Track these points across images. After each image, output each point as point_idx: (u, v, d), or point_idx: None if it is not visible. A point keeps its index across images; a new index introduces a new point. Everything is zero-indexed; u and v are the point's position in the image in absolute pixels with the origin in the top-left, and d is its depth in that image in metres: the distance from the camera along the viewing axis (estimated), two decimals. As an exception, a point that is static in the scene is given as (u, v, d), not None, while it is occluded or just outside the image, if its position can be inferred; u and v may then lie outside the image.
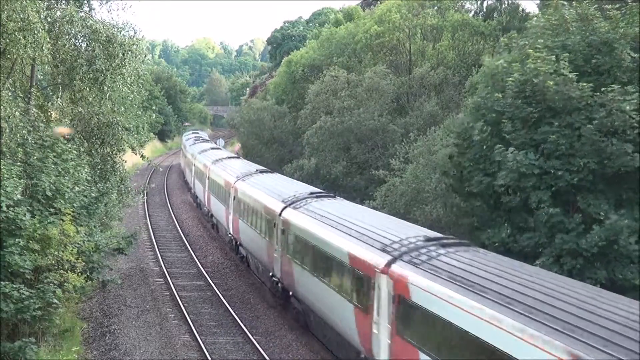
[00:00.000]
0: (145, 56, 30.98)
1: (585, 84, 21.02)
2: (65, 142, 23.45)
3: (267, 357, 21.36)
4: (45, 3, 24.88)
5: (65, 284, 20.16)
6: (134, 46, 26.04)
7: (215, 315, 25.82)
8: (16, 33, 20.72)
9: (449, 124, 33.41)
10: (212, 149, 55.38)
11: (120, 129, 27.06)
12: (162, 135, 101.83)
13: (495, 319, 12.23)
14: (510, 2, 53.62)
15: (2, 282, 18.17)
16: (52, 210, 21.18)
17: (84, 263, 21.79)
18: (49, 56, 23.54)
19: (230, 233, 35.13)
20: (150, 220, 45.70)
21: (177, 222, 46.22)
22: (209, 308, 26.75)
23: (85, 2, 28.89)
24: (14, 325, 19.27)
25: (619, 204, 21.00)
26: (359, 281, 17.63)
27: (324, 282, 20.36)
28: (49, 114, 26.98)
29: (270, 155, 57.85)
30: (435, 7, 54.06)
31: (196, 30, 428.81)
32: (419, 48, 51.74)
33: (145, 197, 49.02)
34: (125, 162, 30.20)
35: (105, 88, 25.86)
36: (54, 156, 22.29)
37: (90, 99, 26.29)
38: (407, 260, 15.92)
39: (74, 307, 24.96)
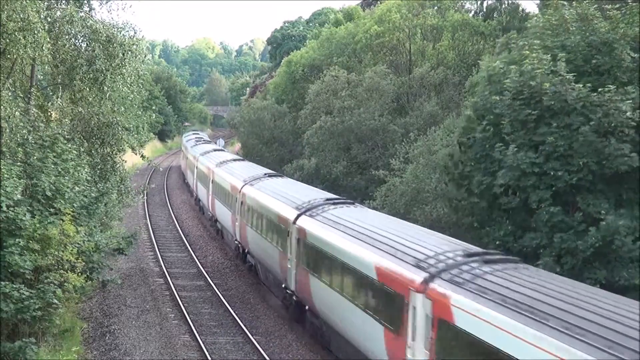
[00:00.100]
0: (145, 56, 31.00)
1: (581, 84, 21.02)
2: (65, 142, 23.44)
3: (267, 357, 21.36)
4: (45, 3, 24.89)
5: (65, 284, 20.15)
6: (134, 46, 26.05)
7: (215, 315, 25.82)
8: (16, 33, 20.73)
9: (449, 124, 33.44)
10: (215, 150, 53.73)
11: (120, 129, 27.05)
12: (162, 135, 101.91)
13: (568, 352, 10.41)
14: (510, 2, 53.68)
15: (2, 282, 18.17)
16: (52, 210, 21.17)
17: (84, 263, 21.79)
18: (49, 56, 23.54)
19: (237, 240, 33.51)
20: (150, 220, 45.71)
21: (177, 222, 46.23)
22: (209, 308, 26.75)
23: (85, 2, 28.92)
24: (14, 325, 19.26)
25: (619, 204, 21.01)
26: (389, 299, 16.08)
27: (347, 298, 18.65)
28: (49, 114, 27.00)
29: (270, 155, 57.87)
30: (435, 7, 54.07)
31: (196, 30, 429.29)
32: (419, 48, 51.75)
33: (145, 197, 49.00)
34: (125, 162, 30.20)
35: (105, 88, 25.87)
36: (54, 156, 22.29)
37: (90, 99, 26.30)
38: (448, 278, 14.28)
39: (74, 307, 24.95)
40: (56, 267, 20.17)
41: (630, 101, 20.49)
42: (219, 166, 41.16)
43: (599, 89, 20.88)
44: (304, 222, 22.69)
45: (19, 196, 19.47)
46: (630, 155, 20.16)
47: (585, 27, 22.95)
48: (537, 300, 12.14)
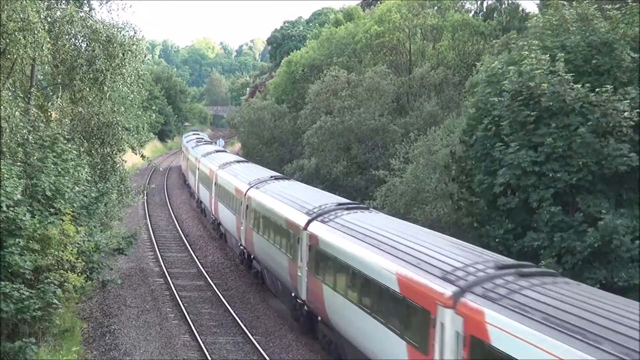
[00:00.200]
0: (145, 56, 31.03)
1: (580, 84, 21.02)
2: (65, 142, 23.45)
3: (267, 357, 21.35)
4: (45, 3, 24.90)
5: (65, 284, 20.16)
6: (134, 46, 26.06)
7: (215, 315, 25.82)
8: (16, 33, 20.74)
9: (449, 124, 33.47)
10: (217, 151, 52.41)
11: (120, 129, 27.05)
12: (162, 135, 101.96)
13: None
14: (510, 2, 53.72)
15: (2, 282, 18.18)
16: (52, 210, 21.18)
17: (84, 263, 21.79)
18: (49, 56, 23.55)
19: (242, 245, 32.18)
20: (150, 220, 45.72)
21: (177, 222, 46.24)
22: (209, 308, 26.75)
23: (85, 2, 28.93)
24: (14, 325, 19.27)
25: (619, 204, 21.02)
26: (414, 314, 15.10)
27: (366, 311, 17.51)
28: (49, 114, 27.01)
29: (270, 155, 57.89)
30: (435, 7, 54.09)
31: (196, 30, 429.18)
32: (419, 48, 51.79)
33: (145, 197, 49.02)
34: (125, 162, 30.21)
35: (105, 88, 25.87)
36: (54, 156, 22.30)
37: (90, 99, 26.30)
38: (481, 293, 13.26)
39: (74, 307, 24.95)
40: (56, 267, 20.18)
41: (628, 101, 20.50)
42: (222, 168, 40.16)
43: (596, 89, 20.89)
44: (316, 228, 21.63)
45: (19, 196, 19.48)
46: (630, 155, 20.18)
47: (585, 27, 22.96)
48: (587, 320, 11.15)
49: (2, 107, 20.64)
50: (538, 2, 45.11)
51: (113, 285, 27.03)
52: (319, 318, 21.72)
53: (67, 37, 25.50)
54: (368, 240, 18.39)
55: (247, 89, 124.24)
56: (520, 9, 51.24)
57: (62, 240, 20.26)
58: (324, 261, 20.59)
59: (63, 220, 20.76)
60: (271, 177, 32.68)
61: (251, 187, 31.12)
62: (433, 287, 14.44)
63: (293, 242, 23.39)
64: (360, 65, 54.01)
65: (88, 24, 25.67)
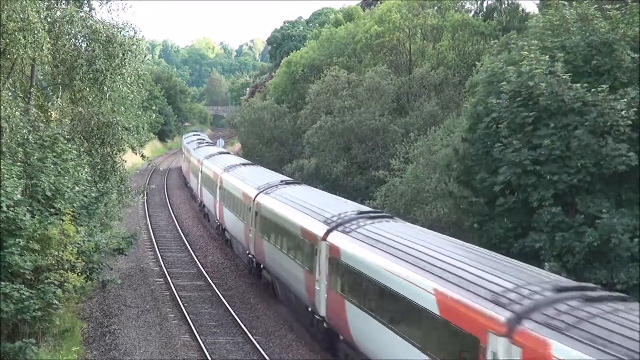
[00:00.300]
0: (145, 56, 31.07)
1: (578, 85, 21.01)
2: (65, 142, 23.45)
3: (267, 357, 21.35)
4: (45, 3, 24.91)
5: (65, 284, 20.16)
6: (134, 46, 26.07)
7: (215, 315, 25.82)
8: (16, 33, 20.74)
9: (449, 124, 33.47)
10: (220, 153, 50.43)
11: (120, 129, 27.07)
12: (162, 135, 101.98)
13: None
14: (510, 2, 53.71)
15: (2, 283, 18.18)
16: (52, 210, 21.18)
17: (84, 263, 21.80)
18: (49, 56, 23.55)
19: (250, 254, 30.40)
20: (150, 220, 45.72)
21: (177, 222, 46.24)
22: (209, 308, 26.75)
23: (85, 2, 28.95)
24: (14, 326, 19.27)
25: (619, 204, 21.01)
26: (457, 340, 13.59)
27: (398, 334, 15.95)
28: (49, 114, 27.01)
29: (270, 155, 57.90)
30: (435, 7, 54.08)
31: (196, 30, 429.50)
32: (419, 48, 51.78)
33: (145, 197, 49.01)
34: (125, 162, 30.22)
35: (105, 88, 25.88)
36: (54, 156, 22.30)
37: (90, 99, 26.31)
38: (542, 320, 11.73)
39: (74, 307, 24.95)
40: (56, 267, 20.18)
41: (625, 99, 20.48)
42: (227, 171, 38.47)
43: (592, 89, 20.88)
44: (337, 239, 20.01)
45: (19, 196, 19.48)
46: (628, 155, 20.16)
47: (586, 28, 22.95)
48: None
49: (2, 107, 20.64)
50: (538, 2, 45.10)
51: (113, 285, 27.03)
52: (341, 337, 20.02)
53: (67, 37, 25.52)
54: (399, 255, 16.85)
55: (247, 89, 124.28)
56: (520, 9, 51.27)
57: (62, 240, 20.26)
58: (347, 276, 18.99)
59: (63, 220, 20.76)
60: (281, 181, 31.05)
61: (260, 192, 29.58)
62: (483, 312, 12.87)
63: (309, 253, 21.87)
64: (360, 65, 54.02)
65: (88, 24, 25.68)
